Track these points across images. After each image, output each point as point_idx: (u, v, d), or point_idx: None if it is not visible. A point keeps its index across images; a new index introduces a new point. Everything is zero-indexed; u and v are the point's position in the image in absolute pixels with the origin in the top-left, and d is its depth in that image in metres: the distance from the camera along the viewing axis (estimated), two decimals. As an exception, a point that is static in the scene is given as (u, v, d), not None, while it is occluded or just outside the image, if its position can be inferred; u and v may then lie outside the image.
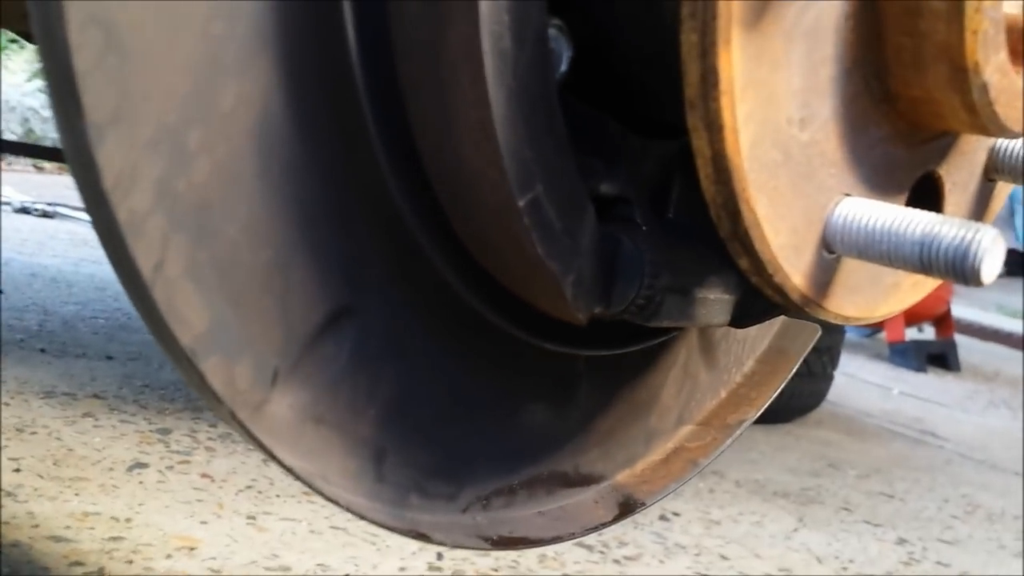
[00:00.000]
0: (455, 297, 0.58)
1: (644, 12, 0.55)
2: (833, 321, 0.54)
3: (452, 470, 0.63)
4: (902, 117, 0.50)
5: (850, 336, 4.10)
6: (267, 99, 0.48)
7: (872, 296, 0.55)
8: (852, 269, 0.52)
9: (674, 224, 0.61)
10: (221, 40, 0.46)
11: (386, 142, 0.51)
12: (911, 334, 4.64)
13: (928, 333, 4.83)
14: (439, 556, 1.60)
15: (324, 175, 0.51)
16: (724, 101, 0.43)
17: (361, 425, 0.57)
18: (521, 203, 0.49)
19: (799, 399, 2.83)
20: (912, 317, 4.48)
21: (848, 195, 0.50)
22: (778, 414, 2.75)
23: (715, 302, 0.60)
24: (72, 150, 0.43)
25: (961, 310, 5.49)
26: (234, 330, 0.50)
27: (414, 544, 1.62)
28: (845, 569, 1.90)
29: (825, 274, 0.51)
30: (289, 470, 0.53)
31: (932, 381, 4.36)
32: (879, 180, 0.52)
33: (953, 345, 4.70)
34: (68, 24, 0.41)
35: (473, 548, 0.63)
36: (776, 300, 0.52)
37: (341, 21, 0.48)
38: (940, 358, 4.64)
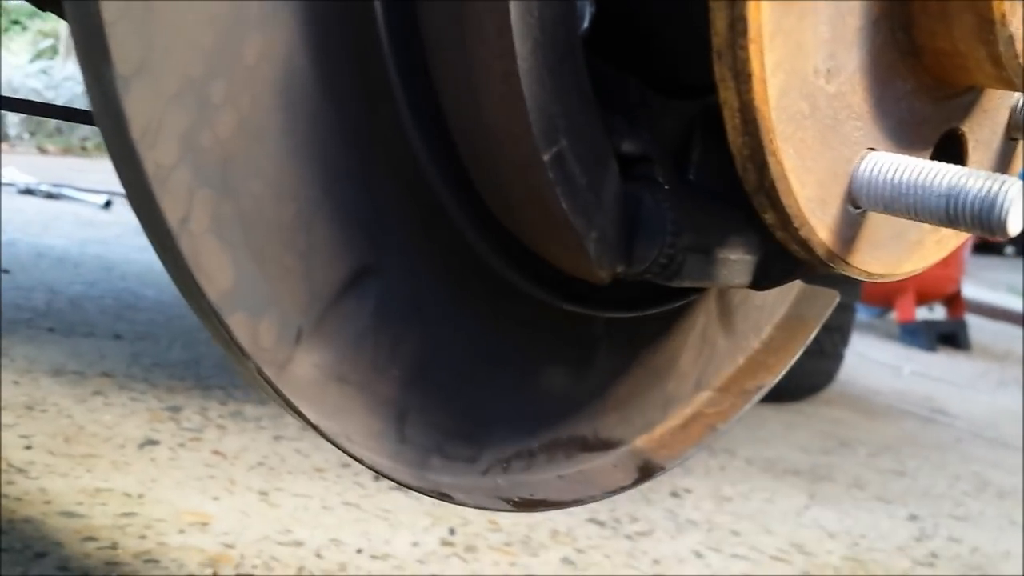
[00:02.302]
0: (477, 257, 0.58)
1: (666, -32, 0.54)
2: (857, 277, 0.53)
3: (473, 432, 0.63)
4: (927, 71, 0.50)
5: (860, 316, 4.11)
6: (291, 54, 0.48)
7: (896, 252, 0.54)
8: (877, 224, 0.52)
9: (695, 185, 0.61)
10: (245, -8, 0.46)
11: (410, 99, 0.51)
12: (921, 313, 4.64)
13: (939, 313, 4.83)
14: (451, 531, 1.61)
15: (348, 132, 0.51)
16: (752, 49, 0.43)
17: (384, 385, 0.57)
18: (546, 157, 0.49)
19: (809, 378, 2.83)
20: (923, 297, 4.48)
21: (873, 149, 0.50)
22: (788, 393, 2.75)
23: (736, 263, 0.60)
24: (99, 101, 0.43)
25: (971, 290, 5.48)
26: (258, 287, 0.50)
27: (426, 519, 1.63)
28: (856, 544, 1.90)
29: (850, 229, 0.51)
30: (315, 428, 0.53)
31: (942, 360, 4.36)
32: (904, 134, 0.51)
33: (964, 325, 4.70)
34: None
35: (494, 509, 0.63)
36: (801, 255, 0.51)
37: (365, -28, 0.48)
38: (951, 337, 4.64)
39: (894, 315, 4.63)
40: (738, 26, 0.43)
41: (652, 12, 0.58)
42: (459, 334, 0.60)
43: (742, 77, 0.44)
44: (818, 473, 2.33)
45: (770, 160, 0.46)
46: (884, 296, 4.47)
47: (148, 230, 0.47)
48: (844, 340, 2.92)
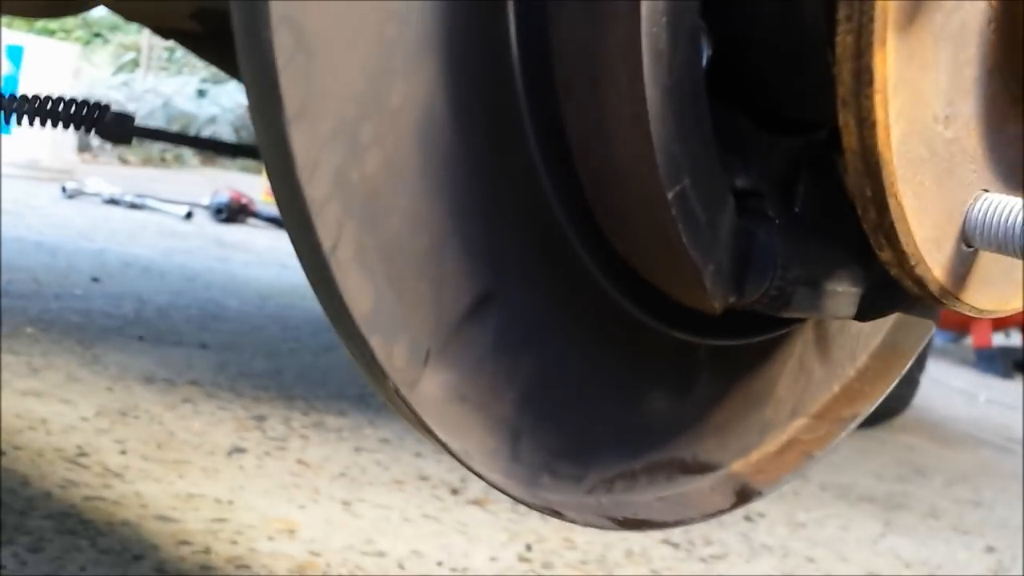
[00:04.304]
0: (593, 285, 0.60)
1: (782, 14, 0.57)
2: (967, 312, 0.55)
3: (580, 452, 0.66)
4: (1040, 116, 0.52)
5: (936, 340, 4.05)
6: (432, 97, 0.51)
7: (1005, 289, 0.56)
8: (987, 262, 0.54)
9: (801, 218, 0.63)
10: (393, 43, 0.49)
11: (540, 137, 0.54)
12: (998, 340, 4.55)
13: (1015, 339, 4.73)
14: (528, 548, 1.63)
15: (480, 168, 0.54)
16: (878, 99, 0.45)
17: (500, 406, 0.60)
18: (669, 195, 0.52)
19: (885, 403, 2.80)
20: (999, 323, 4.40)
21: (987, 191, 0.52)
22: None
23: (843, 295, 0.62)
24: (267, 141, 0.47)
25: (1047, 317, 5.36)
26: (393, 312, 0.54)
27: (503, 535, 1.66)
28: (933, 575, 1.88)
29: (963, 267, 0.53)
30: (441, 443, 0.57)
31: (1019, 388, 4.27)
32: (1016, 177, 0.53)
33: (1041, 352, 4.62)
34: (270, 23, 0.44)
35: (601, 527, 0.66)
36: (914, 291, 0.53)
37: (504, 23, 0.51)
38: (1026, 365, 4.55)
39: (970, 340, 4.55)
40: (864, 77, 0.45)
41: (764, 53, 0.60)
42: (571, 359, 0.63)
43: (866, 124, 0.46)
44: (893, 501, 2.31)
45: (891, 202, 0.48)
46: (960, 321, 4.40)
47: (302, 255, 0.51)
48: (920, 365, 2.88)
